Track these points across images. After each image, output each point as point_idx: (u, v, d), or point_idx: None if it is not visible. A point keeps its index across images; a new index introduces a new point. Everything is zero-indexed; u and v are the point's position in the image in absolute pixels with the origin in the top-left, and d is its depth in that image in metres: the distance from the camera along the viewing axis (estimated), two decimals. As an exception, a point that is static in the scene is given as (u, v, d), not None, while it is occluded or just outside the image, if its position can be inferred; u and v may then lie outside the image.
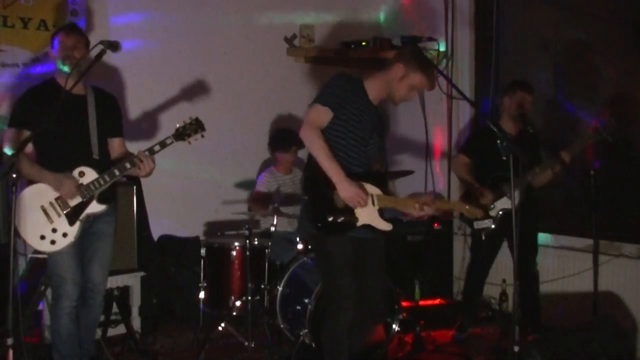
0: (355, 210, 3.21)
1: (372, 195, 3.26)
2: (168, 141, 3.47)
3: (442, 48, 5.45)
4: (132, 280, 4.42)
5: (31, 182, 3.39)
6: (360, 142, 3.30)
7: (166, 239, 4.98)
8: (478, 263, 4.70)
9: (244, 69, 5.51)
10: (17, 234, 3.24)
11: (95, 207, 3.42)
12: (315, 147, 3.17)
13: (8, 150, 3.33)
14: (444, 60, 5.50)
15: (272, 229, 4.57)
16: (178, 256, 4.88)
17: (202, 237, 5.06)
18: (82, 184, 3.37)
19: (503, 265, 4.77)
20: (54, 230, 3.33)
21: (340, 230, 3.23)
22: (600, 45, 4.87)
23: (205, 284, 4.37)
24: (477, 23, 5.49)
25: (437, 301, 5.07)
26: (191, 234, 5.12)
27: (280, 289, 4.24)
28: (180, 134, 3.49)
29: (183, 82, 5.15)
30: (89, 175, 3.39)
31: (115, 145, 3.64)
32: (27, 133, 3.31)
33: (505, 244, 4.54)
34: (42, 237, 3.32)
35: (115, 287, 4.21)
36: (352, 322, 3.29)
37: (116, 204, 3.69)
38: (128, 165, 3.40)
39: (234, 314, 4.31)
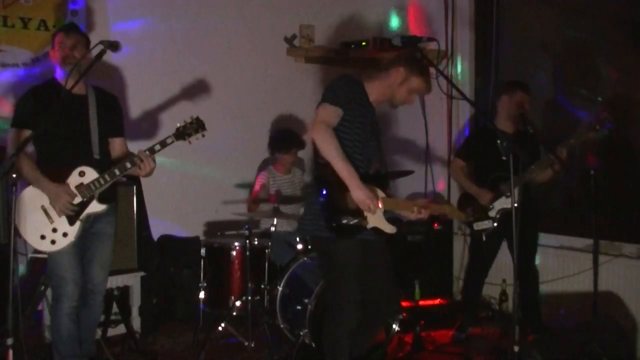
0: (365, 213, 3.19)
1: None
2: (169, 140, 3.47)
3: (442, 48, 5.45)
4: (132, 280, 4.42)
5: (32, 181, 3.39)
6: (363, 144, 3.29)
7: (166, 239, 4.99)
8: (478, 263, 4.70)
9: (244, 69, 5.52)
10: (18, 234, 3.24)
11: (95, 207, 3.42)
12: (329, 147, 3.09)
13: (11, 150, 3.34)
14: (444, 60, 5.50)
15: (272, 229, 4.57)
16: (178, 256, 4.88)
17: (202, 237, 5.07)
18: (82, 184, 3.37)
19: (503, 265, 4.77)
20: (54, 230, 3.33)
21: (352, 233, 3.20)
22: (600, 45, 4.87)
23: (205, 284, 4.37)
24: (477, 23, 5.50)
25: (437, 301, 5.07)
26: (191, 234, 5.13)
27: (280, 289, 4.24)
28: (181, 134, 3.48)
29: (183, 81, 5.16)
30: (90, 175, 3.38)
31: (116, 145, 3.64)
32: (28, 133, 3.30)
33: (505, 244, 4.54)
34: (43, 237, 3.32)
35: (115, 287, 4.21)
36: (361, 323, 3.28)
37: (116, 204, 3.69)
38: (128, 164, 3.39)
39: (234, 314, 4.31)
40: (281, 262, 4.52)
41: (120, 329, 4.30)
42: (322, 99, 3.23)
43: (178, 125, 3.50)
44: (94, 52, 3.27)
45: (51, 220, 3.33)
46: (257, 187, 5.02)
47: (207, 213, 5.39)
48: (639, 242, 4.47)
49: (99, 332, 3.99)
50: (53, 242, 3.33)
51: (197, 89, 5.19)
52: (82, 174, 3.38)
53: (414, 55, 3.42)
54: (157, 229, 4.89)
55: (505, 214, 4.33)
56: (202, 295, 4.36)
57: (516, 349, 2.90)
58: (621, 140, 4.61)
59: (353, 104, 3.22)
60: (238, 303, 4.28)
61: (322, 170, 3.21)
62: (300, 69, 5.80)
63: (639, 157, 4.69)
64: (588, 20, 4.94)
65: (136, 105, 4.96)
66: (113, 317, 4.24)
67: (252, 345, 4.16)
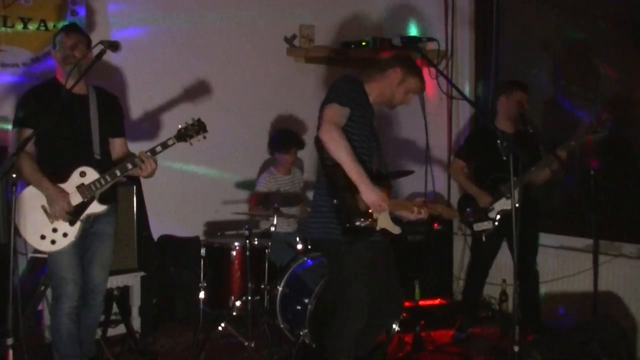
0: (374, 214, 3.17)
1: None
2: (170, 142, 3.47)
3: (442, 48, 5.45)
4: (132, 280, 4.42)
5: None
6: (367, 144, 3.29)
7: (166, 239, 4.99)
8: (478, 263, 4.71)
9: (244, 69, 5.52)
10: (18, 233, 3.24)
11: (96, 208, 3.42)
12: (340, 147, 3.06)
13: (12, 150, 3.34)
14: (444, 60, 5.50)
15: (272, 229, 4.58)
16: (178, 256, 4.88)
17: (202, 237, 5.07)
18: (82, 184, 3.37)
19: (503, 265, 4.77)
20: (55, 230, 3.33)
21: (365, 235, 3.19)
22: (600, 45, 4.87)
23: (205, 284, 4.37)
24: (477, 23, 5.49)
25: (437, 301, 5.07)
26: (191, 234, 5.13)
27: (280, 289, 4.24)
28: (182, 135, 3.48)
29: (184, 82, 5.16)
30: (90, 175, 3.38)
31: (117, 146, 3.64)
32: (29, 132, 3.29)
33: (505, 244, 4.54)
34: (43, 237, 3.32)
35: (115, 287, 4.21)
36: (367, 324, 3.28)
37: (116, 204, 3.69)
38: (129, 165, 3.39)
39: (234, 314, 4.31)
40: (281, 262, 4.52)
41: (120, 329, 4.30)
42: (327, 99, 3.20)
43: (179, 126, 3.49)
44: (94, 52, 3.27)
45: (51, 220, 3.33)
46: (259, 188, 5.01)
47: (207, 213, 5.38)
48: (639, 242, 4.47)
49: (99, 332, 3.99)
50: (53, 242, 3.33)
51: (197, 89, 5.19)
52: (82, 174, 3.38)
53: (408, 56, 3.42)
54: (157, 229, 4.89)
55: (505, 214, 4.33)
56: (202, 295, 4.36)
57: (516, 349, 2.90)
58: (621, 140, 4.61)
59: (357, 104, 3.22)
60: (238, 303, 4.27)
61: (331, 172, 3.17)
62: (300, 69, 5.80)
63: (639, 157, 4.69)
64: (588, 20, 4.94)
65: (136, 106, 4.96)
66: (113, 317, 4.25)
67: (252, 345, 4.16)
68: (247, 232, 4.21)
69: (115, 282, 4.20)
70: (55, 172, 3.35)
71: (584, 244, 4.65)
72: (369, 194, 3.08)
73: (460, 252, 5.45)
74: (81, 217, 3.38)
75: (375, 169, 3.39)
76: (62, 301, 3.42)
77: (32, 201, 3.32)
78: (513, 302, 3.23)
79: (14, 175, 2.78)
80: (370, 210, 3.15)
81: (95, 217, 3.47)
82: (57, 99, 3.20)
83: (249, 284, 4.20)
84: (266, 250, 4.40)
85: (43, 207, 3.32)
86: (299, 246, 4.50)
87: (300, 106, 5.76)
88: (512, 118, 4.42)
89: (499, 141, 2.99)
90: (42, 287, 3.89)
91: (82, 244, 3.48)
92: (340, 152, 3.06)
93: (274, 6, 5.62)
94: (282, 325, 4.22)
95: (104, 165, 3.44)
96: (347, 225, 3.11)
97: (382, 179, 3.34)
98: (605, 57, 4.85)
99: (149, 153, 3.41)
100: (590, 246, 4.22)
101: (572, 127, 4.95)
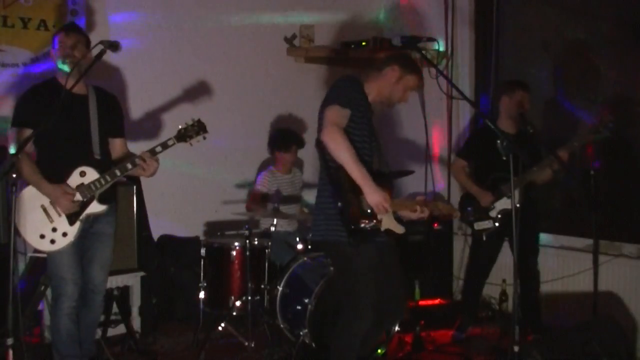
0: (379, 216, 3.17)
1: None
2: (170, 142, 3.47)
3: (442, 48, 5.45)
4: (132, 280, 4.42)
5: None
6: (368, 144, 3.29)
7: (166, 239, 4.99)
8: (478, 263, 4.70)
9: (244, 68, 5.51)
10: (17, 233, 3.24)
11: (95, 207, 3.42)
12: (343, 149, 3.05)
13: (12, 150, 3.34)
14: (444, 60, 5.50)
15: (272, 229, 4.57)
16: (178, 256, 4.88)
17: (202, 237, 5.07)
18: (82, 184, 3.37)
19: (503, 265, 4.76)
20: (54, 230, 3.33)
21: (370, 236, 3.19)
22: (600, 45, 4.87)
23: (205, 284, 4.36)
24: (477, 23, 5.50)
25: (437, 301, 5.07)
26: (191, 234, 5.13)
27: (280, 289, 4.24)
28: (182, 136, 3.48)
29: (183, 82, 5.15)
30: (90, 175, 3.38)
31: (117, 146, 3.64)
32: (28, 132, 3.29)
33: (506, 244, 4.54)
34: (42, 236, 3.32)
35: (115, 287, 4.21)
36: (372, 324, 3.28)
37: (116, 204, 3.69)
38: (129, 165, 3.39)
39: (234, 314, 4.31)
40: (281, 262, 4.52)
41: (120, 329, 4.30)
42: (328, 101, 3.20)
43: (180, 127, 3.50)
44: (94, 52, 3.27)
45: (51, 220, 3.33)
46: (258, 186, 5.01)
47: (207, 213, 5.38)
48: (639, 242, 4.47)
49: (99, 332, 3.99)
50: (53, 241, 3.33)
51: (197, 89, 5.19)
52: (82, 174, 3.38)
53: (405, 53, 3.42)
54: (157, 229, 4.89)
55: (506, 214, 4.33)
56: (202, 295, 4.35)
57: (516, 349, 2.90)
58: (621, 140, 4.61)
59: (357, 105, 3.21)
60: (238, 303, 4.27)
61: (334, 174, 3.16)
62: (300, 69, 5.80)
63: (639, 157, 4.69)
64: (588, 20, 4.94)
65: (136, 106, 4.96)
66: (113, 317, 4.24)
67: (252, 345, 4.16)
68: (247, 232, 4.21)
69: (115, 282, 4.20)
70: (55, 172, 3.35)
71: (584, 244, 4.65)
72: (373, 195, 3.08)
73: (460, 252, 5.45)
74: (81, 217, 3.38)
75: (376, 169, 3.40)
76: (62, 301, 3.42)
77: (31, 201, 3.32)
78: (513, 302, 3.22)
79: (14, 175, 2.77)
80: (374, 212, 3.15)
81: (95, 217, 3.47)
82: (57, 99, 3.20)
83: (249, 284, 4.20)
84: (266, 250, 4.40)
85: (43, 206, 3.32)
86: (299, 246, 4.50)
87: (300, 106, 5.76)
88: (513, 118, 4.41)
89: (498, 141, 2.99)
90: (42, 287, 3.89)
91: (82, 244, 3.48)
92: (343, 153, 3.06)
93: (274, 6, 5.62)
94: (282, 325, 4.22)
95: (103, 165, 3.44)
96: (352, 227, 3.11)
97: (384, 178, 3.34)
98: (605, 57, 4.85)
99: (148, 153, 3.41)
100: (590, 246, 4.23)
101: (572, 127, 4.95)
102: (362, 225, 3.12)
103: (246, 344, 4.17)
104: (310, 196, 5.34)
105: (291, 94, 5.76)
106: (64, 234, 3.35)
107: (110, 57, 3.88)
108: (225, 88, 5.37)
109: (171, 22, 5.13)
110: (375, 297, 3.24)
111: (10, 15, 4.36)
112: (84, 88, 3.48)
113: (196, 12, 5.25)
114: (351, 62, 5.65)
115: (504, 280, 4.92)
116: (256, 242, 4.34)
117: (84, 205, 3.38)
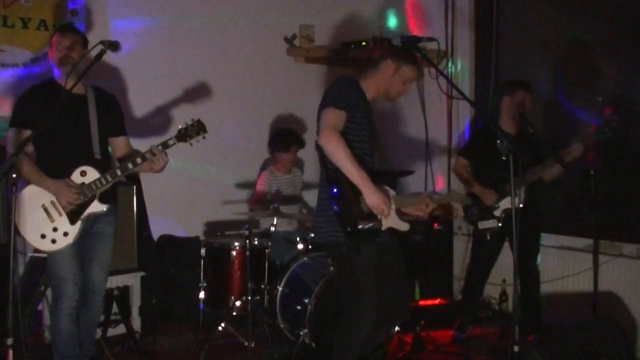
0: (379, 216, 3.17)
1: (390, 197, 3.24)
2: (170, 142, 3.47)
3: (442, 48, 5.45)
4: (132, 280, 4.42)
5: (32, 180, 3.38)
6: (368, 144, 3.29)
7: (166, 239, 4.99)
8: (479, 263, 4.70)
9: (244, 68, 5.52)
10: (18, 233, 3.24)
11: (96, 207, 3.42)
12: (340, 152, 3.06)
13: (11, 150, 3.34)
14: (444, 60, 5.50)
15: (272, 229, 4.57)
16: (178, 256, 4.88)
17: (202, 237, 5.06)
18: (83, 184, 3.37)
19: (503, 265, 4.76)
20: (55, 229, 3.33)
21: (370, 237, 3.18)
22: (600, 45, 4.87)
23: (205, 284, 4.36)
24: (477, 23, 5.49)
25: (437, 301, 5.07)
26: (191, 234, 5.13)
27: (280, 289, 4.24)
28: (182, 136, 3.48)
29: (183, 82, 5.16)
30: (91, 174, 3.38)
31: (120, 144, 3.64)
32: (27, 132, 3.30)
33: (506, 244, 4.54)
34: (43, 236, 3.32)
35: (115, 287, 4.21)
36: (374, 324, 3.27)
37: (116, 204, 3.69)
38: (130, 165, 3.39)
39: (234, 314, 4.31)
40: (281, 261, 4.53)
41: (120, 329, 4.30)
42: (324, 103, 3.20)
43: (180, 127, 3.50)
44: (94, 52, 3.26)
45: (52, 220, 3.33)
46: (259, 186, 5.01)
47: (207, 213, 5.38)
48: (639, 242, 4.47)
49: (99, 332, 3.99)
50: (53, 241, 3.33)
51: (197, 89, 5.19)
52: (83, 173, 3.38)
53: (397, 45, 3.40)
54: (157, 229, 4.89)
55: (509, 214, 4.32)
56: (202, 295, 4.35)
57: (516, 349, 2.90)
58: (621, 140, 4.61)
59: (354, 105, 3.21)
60: (238, 303, 4.27)
61: (334, 175, 3.16)
62: (300, 69, 5.80)
63: (639, 157, 4.69)
64: (588, 20, 4.94)
65: (136, 106, 4.96)
66: (113, 317, 4.24)
67: (252, 345, 4.16)
68: (247, 232, 4.21)
69: (115, 282, 4.20)
70: (55, 172, 3.35)
71: (584, 244, 4.65)
72: (371, 197, 3.08)
73: (461, 252, 5.45)
74: (82, 217, 3.38)
75: (376, 168, 3.40)
76: (62, 301, 3.43)
77: (32, 200, 3.32)
78: (513, 302, 3.22)
79: (14, 175, 2.77)
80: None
81: (95, 217, 3.47)
82: (56, 100, 3.20)
83: (249, 284, 4.19)
84: (266, 250, 4.40)
85: (43, 206, 3.32)
86: (300, 246, 4.50)
87: (300, 106, 5.76)
88: (515, 118, 4.41)
89: (498, 141, 2.99)
90: (42, 287, 3.89)
91: (82, 244, 3.48)
92: (340, 157, 3.07)
93: (274, 6, 5.62)
94: (282, 325, 4.22)
95: (104, 164, 3.45)
96: (349, 229, 3.11)
97: (386, 177, 3.34)
98: (605, 57, 4.85)
99: (159, 147, 3.41)
100: (590, 246, 4.23)
101: (572, 127, 4.95)
102: (361, 226, 3.12)
103: (246, 344, 4.16)
104: (310, 196, 5.34)
105: (291, 94, 5.76)
106: (65, 234, 3.35)
107: (110, 57, 3.88)
108: (225, 88, 5.37)
109: (171, 22, 5.14)
110: (376, 297, 3.24)
111: (10, 15, 4.36)
112: (82, 88, 3.48)
113: (196, 12, 5.25)
114: (351, 62, 5.65)
115: (504, 280, 4.92)
116: (256, 242, 4.33)
117: (85, 204, 3.38)
